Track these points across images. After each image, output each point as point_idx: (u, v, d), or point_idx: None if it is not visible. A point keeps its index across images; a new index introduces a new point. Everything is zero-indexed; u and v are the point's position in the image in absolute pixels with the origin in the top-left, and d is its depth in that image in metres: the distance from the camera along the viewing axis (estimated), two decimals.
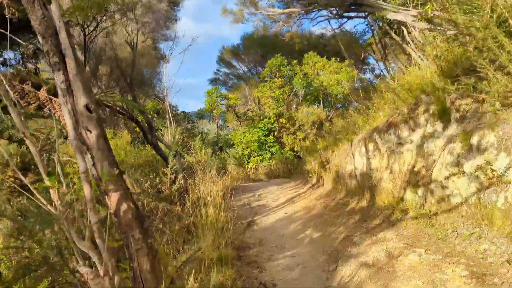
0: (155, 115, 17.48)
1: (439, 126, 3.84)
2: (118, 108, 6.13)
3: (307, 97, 18.29)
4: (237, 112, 16.02)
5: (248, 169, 14.93)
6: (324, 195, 6.18)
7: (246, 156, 15.35)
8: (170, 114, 15.08)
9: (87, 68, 6.52)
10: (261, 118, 16.12)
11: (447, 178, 3.63)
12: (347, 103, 19.58)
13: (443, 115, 3.79)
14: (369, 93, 8.24)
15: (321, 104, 18.02)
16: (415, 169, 4.13)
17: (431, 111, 3.99)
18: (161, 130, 18.30)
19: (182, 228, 4.34)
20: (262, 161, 15.09)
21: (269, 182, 11.33)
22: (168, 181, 5.17)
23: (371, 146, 5.17)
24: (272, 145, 15.39)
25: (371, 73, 16.62)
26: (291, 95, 16.21)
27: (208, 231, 4.04)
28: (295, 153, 15.69)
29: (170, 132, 14.62)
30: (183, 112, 21.54)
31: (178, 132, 15.81)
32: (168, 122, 15.23)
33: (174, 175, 5.32)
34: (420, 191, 4.03)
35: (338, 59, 19.69)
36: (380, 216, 4.31)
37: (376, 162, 5.01)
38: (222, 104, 15.24)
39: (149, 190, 5.49)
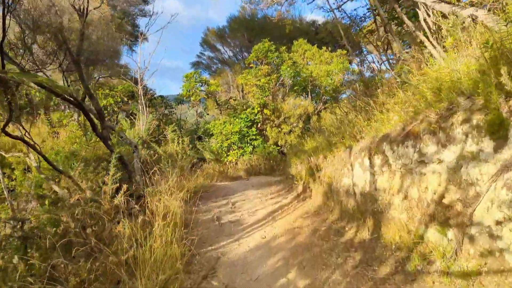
0: (128, 99, 16.01)
1: (488, 144, 2.68)
2: (57, 90, 4.77)
3: (295, 88, 17.08)
4: (218, 100, 14.67)
5: (227, 163, 13.70)
6: (312, 213, 5.02)
7: (225, 148, 14.09)
8: (143, 99, 13.62)
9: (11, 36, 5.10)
10: (244, 107, 14.84)
11: (499, 223, 2.49)
12: (337, 96, 18.49)
13: (496, 129, 2.63)
14: (370, 88, 7.08)
15: (309, 96, 16.83)
16: (445, 201, 2.98)
17: (474, 122, 2.82)
18: (134, 115, 16.81)
19: (114, 264, 3.09)
20: (243, 155, 13.87)
21: (248, 181, 10.14)
22: (108, 191, 3.89)
23: (378, 159, 4.00)
24: (254, 138, 14.17)
25: (372, 64, 15.39)
26: (277, 84, 14.94)
27: (148, 279, 2.81)
28: (278, 147, 14.53)
29: (141, 119, 13.18)
30: (161, 96, 20.03)
31: (151, 118, 14.42)
32: (140, 107, 13.77)
33: (117, 184, 4.03)
34: (451, 233, 2.89)
35: (329, 48, 18.50)
36: (391, 259, 3.16)
37: (384, 181, 3.84)
38: (201, 90, 13.83)
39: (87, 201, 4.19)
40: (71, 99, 4.94)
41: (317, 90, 17.69)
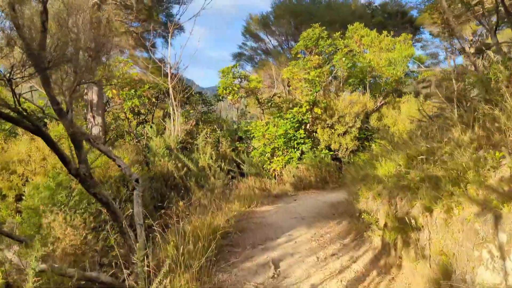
0: (156, 100, 14.57)
1: None
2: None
3: (349, 80, 14.67)
4: (260, 98, 12.68)
5: (270, 171, 11.75)
6: None
7: (268, 154, 12.11)
8: (173, 99, 11.96)
9: None
10: (290, 106, 12.74)
11: None
12: (400, 89, 15.84)
13: None
14: (489, 89, 4.73)
15: (367, 90, 14.36)
16: None
17: None
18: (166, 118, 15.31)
19: None
20: (289, 163, 11.83)
21: (296, 203, 8.13)
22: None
23: None
24: (302, 141, 12.06)
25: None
26: (330, 77, 12.66)
27: None
28: (332, 152, 12.31)
29: (172, 123, 11.49)
30: (199, 93, 18.46)
31: (181, 121, 12.75)
32: (171, 109, 12.11)
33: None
34: None
35: (391, 33, 15.80)
36: None
37: None
38: (240, 88, 11.91)
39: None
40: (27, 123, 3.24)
41: (377, 82, 15.17)
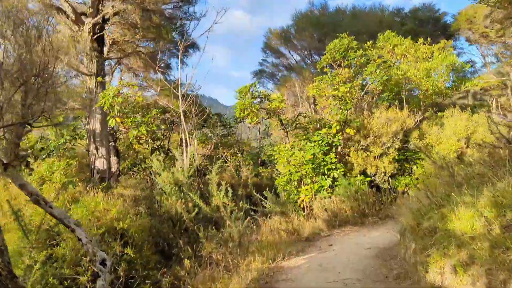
0: (166, 127, 13.57)
1: None
2: None
3: (383, 95, 13.15)
4: (282, 119, 11.33)
5: (298, 202, 10.32)
6: None
7: (295, 182, 10.68)
8: (184, 125, 10.71)
9: None
10: (318, 126, 11.33)
11: None
12: (442, 102, 14.15)
13: None
14: None
15: (405, 105, 12.78)
16: None
17: None
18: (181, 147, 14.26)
19: None
20: (319, 192, 10.35)
21: (332, 248, 6.63)
22: None
23: None
24: (333, 167, 10.57)
25: None
26: (362, 93, 11.20)
27: None
28: (368, 178, 10.75)
29: (184, 152, 10.17)
30: (217, 114, 17.33)
31: (196, 147, 11.49)
32: (183, 137, 10.74)
33: None
34: None
35: (428, 40, 14.23)
36: None
37: None
38: (260, 109, 10.59)
39: None
40: None
41: (415, 94, 13.59)
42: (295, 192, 10.60)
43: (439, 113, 13.63)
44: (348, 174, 11.07)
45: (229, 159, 16.52)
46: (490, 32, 18.36)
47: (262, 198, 8.98)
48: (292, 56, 22.80)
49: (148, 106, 11.47)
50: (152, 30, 10.60)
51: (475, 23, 18.73)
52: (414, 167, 12.04)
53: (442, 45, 13.39)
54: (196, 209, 7.21)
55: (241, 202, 7.38)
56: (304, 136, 11.29)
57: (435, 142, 11.70)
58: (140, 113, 9.58)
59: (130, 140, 9.47)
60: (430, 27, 21.14)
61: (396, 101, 13.09)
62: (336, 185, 10.65)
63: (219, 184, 7.53)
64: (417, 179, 11.65)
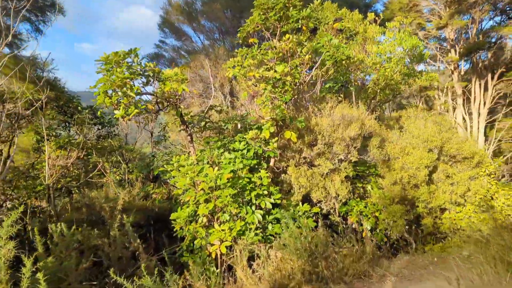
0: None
1: None
2: None
3: (327, 86, 9.86)
4: (184, 114, 7.17)
5: (209, 252, 6.39)
6: None
7: (204, 219, 6.71)
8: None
9: None
10: (241, 128, 7.48)
11: None
12: (394, 96, 11.44)
13: None
14: None
15: (354, 100, 9.67)
16: None
17: None
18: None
19: None
20: (243, 234, 6.56)
21: None
22: None
23: None
24: (265, 191, 6.83)
25: None
26: (310, 76, 7.60)
27: None
28: (316, 209, 7.22)
29: None
30: (90, 107, 12.39)
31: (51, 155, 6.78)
32: None
33: None
34: None
35: (380, 16, 11.37)
36: None
37: None
38: (143, 93, 6.22)
39: None
40: None
41: (362, 86, 10.63)
42: (203, 235, 6.58)
43: (393, 113, 10.84)
44: (285, 202, 7.41)
45: (108, 171, 11.86)
46: (431, 23, 16.60)
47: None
48: (200, 38, 18.67)
49: None
50: None
51: (410, 12, 16.85)
52: (369, 187, 8.92)
53: (397, 23, 10.59)
54: None
55: None
56: (219, 143, 7.30)
57: (399, 152, 8.67)
58: None
59: None
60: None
61: (342, 94, 9.89)
62: (269, 222, 6.92)
63: None
64: (373, 204, 8.54)
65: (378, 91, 9.79)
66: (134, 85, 6.20)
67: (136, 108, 5.67)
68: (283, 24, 7.40)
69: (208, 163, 7.40)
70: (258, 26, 7.71)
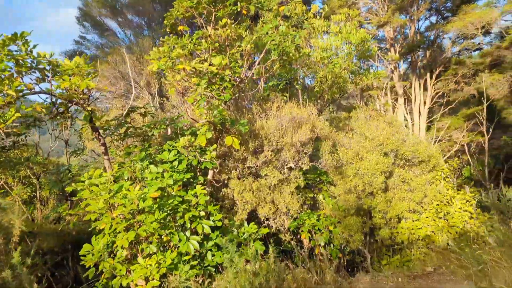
0: None
1: None
2: None
3: (270, 83, 8.84)
4: (96, 117, 5.67)
5: None
6: None
7: (125, 251, 5.29)
8: None
9: None
10: (171, 134, 6.18)
11: None
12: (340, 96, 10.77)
13: None
14: None
15: (300, 99, 8.78)
16: None
17: None
18: None
19: None
20: (175, 269, 5.24)
21: None
22: None
23: None
24: (201, 212, 5.57)
25: None
26: (252, 70, 6.46)
27: None
28: (265, 230, 6.11)
29: None
30: None
31: None
32: None
33: None
34: None
35: (325, 9, 10.59)
36: None
37: None
38: (31, 92, 4.68)
39: None
40: None
41: (309, 84, 9.79)
42: (124, 272, 5.19)
43: (343, 114, 10.08)
44: (227, 222, 6.21)
45: (15, 188, 9.97)
46: (370, 21, 16.34)
47: None
48: (126, 34, 16.83)
49: None
50: None
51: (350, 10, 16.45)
52: (320, 197, 7.98)
53: (344, 16, 9.84)
54: None
55: None
56: (143, 153, 5.89)
57: (352, 157, 7.83)
58: None
59: None
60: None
61: (287, 93, 8.92)
62: (209, 249, 5.69)
63: None
64: (327, 217, 7.61)
65: (327, 89, 8.95)
66: (23, 81, 4.63)
67: (17, 112, 4.12)
68: (219, 8, 6.21)
69: (130, 179, 5.98)
70: (188, 11, 6.43)
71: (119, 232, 5.26)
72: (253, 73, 6.18)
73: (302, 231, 7.44)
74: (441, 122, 17.20)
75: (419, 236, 7.92)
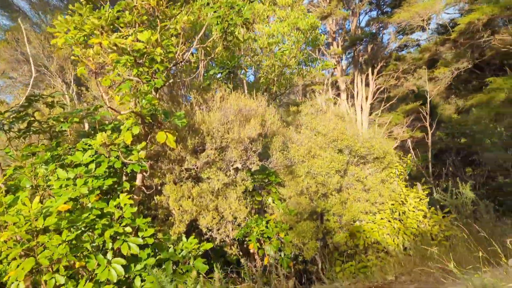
0: None
1: None
2: None
3: (211, 72, 7.84)
4: None
5: None
6: None
7: (20, 284, 3.96)
8: None
9: None
10: (89, 129, 4.92)
11: None
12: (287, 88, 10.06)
13: None
14: None
15: (246, 90, 7.87)
16: None
17: None
18: None
19: None
20: None
21: None
22: None
23: None
24: (126, 228, 4.40)
25: None
26: (191, 51, 5.38)
27: None
28: (209, 245, 5.08)
29: None
30: None
31: None
32: None
33: None
34: None
35: None
36: None
37: None
38: None
39: None
40: None
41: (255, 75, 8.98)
42: None
43: (292, 108, 9.33)
44: (161, 236, 5.10)
45: None
46: (311, 13, 15.81)
47: None
48: (44, 19, 14.72)
49: None
50: None
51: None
52: (269, 200, 7.11)
53: (290, 0, 9.07)
54: None
55: None
56: (48, 153, 4.58)
57: (304, 155, 7.04)
58: None
59: None
60: None
61: (230, 83, 7.94)
62: (138, 274, 4.56)
63: None
64: (277, 223, 6.75)
65: (274, 80, 8.12)
66: None
67: None
68: None
69: (32, 187, 4.64)
70: None
71: (14, 259, 3.96)
72: (191, 54, 5.12)
73: (250, 240, 6.53)
74: (382, 118, 17.27)
75: (374, 239, 7.36)
